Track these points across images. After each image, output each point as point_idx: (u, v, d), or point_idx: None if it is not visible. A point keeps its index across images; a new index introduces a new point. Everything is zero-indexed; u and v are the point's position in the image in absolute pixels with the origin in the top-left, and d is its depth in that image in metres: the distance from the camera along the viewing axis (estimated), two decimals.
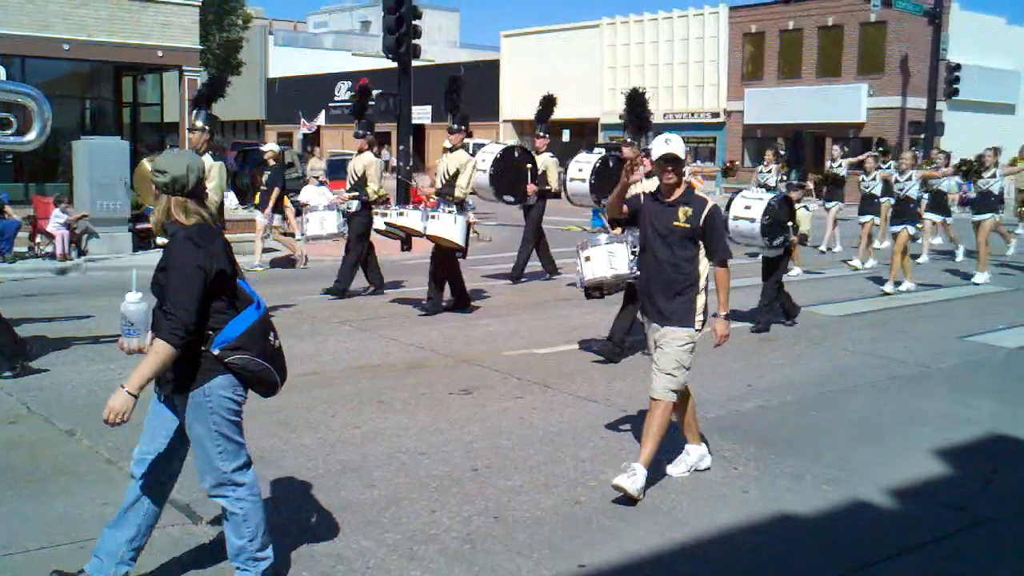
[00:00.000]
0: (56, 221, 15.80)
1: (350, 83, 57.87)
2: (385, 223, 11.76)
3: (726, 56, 43.12)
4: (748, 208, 10.59)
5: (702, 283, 5.76)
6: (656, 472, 6.06)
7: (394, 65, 20.44)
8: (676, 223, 5.63)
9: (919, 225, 14.61)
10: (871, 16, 36.93)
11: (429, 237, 11.33)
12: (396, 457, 6.32)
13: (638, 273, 6.43)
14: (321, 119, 51.01)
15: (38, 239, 16.38)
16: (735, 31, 43.01)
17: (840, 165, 19.07)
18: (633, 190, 6.09)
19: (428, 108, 49.86)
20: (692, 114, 44.19)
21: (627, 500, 5.49)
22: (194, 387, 4.09)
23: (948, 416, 7.58)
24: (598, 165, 11.52)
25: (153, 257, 16.57)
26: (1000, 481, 6.23)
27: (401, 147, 19.94)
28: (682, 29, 44.55)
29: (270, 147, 16.78)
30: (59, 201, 16.11)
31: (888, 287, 13.61)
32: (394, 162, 24.32)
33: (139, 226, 17.23)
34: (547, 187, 14.17)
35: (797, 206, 11.25)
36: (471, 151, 12.60)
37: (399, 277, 14.36)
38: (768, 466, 6.29)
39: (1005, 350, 10.19)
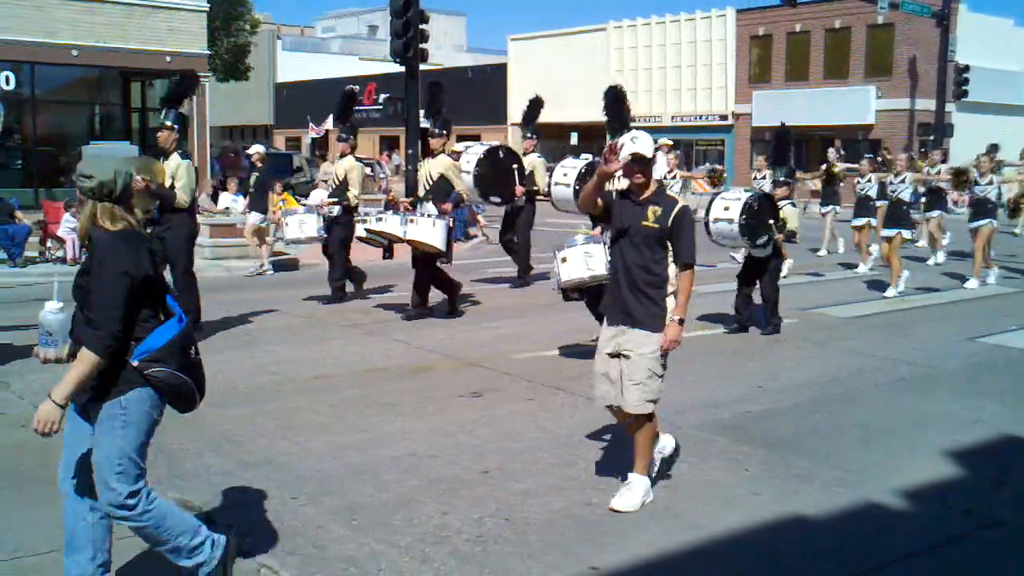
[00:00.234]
0: (67, 226, 15.87)
1: (358, 87, 58.02)
2: (366, 230, 11.57)
3: (733, 59, 43.09)
4: (727, 209, 10.37)
5: (671, 286, 5.53)
6: (666, 475, 6.06)
7: (402, 69, 20.47)
8: (645, 223, 5.42)
9: (912, 234, 14.44)
10: (878, 18, 36.88)
11: (409, 242, 11.15)
12: (405, 460, 6.33)
13: None
14: (329, 123, 50.97)
15: (49, 244, 16.46)
16: (742, 34, 42.98)
17: (869, 180, 18.59)
18: (616, 185, 5.99)
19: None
20: (700, 117, 44.16)
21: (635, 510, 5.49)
22: (110, 397, 3.96)
23: (958, 418, 7.57)
24: (583, 170, 11.37)
25: None
26: (1010, 483, 6.22)
27: (410, 151, 19.98)
28: (689, 32, 44.54)
29: (256, 149, 16.55)
30: (69, 206, 16.18)
31: (890, 291, 13.46)
32: (404, 166, 24.35)
33: (148, 230, 17.26)
34: (534, 188, 13.97)
35: (783, 203, 10.99)
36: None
37: (388, 281, 14.25)
38: (778, 468, 6.29)
39: (1016, 351, 10.17)
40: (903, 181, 13.48)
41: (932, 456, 6.58)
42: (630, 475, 5.58)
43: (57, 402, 3.83)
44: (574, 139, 45.90)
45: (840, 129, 37.82)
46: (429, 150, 11.65)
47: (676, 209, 5.43)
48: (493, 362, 9.24)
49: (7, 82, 21.07)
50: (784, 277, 14.45)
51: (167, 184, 9.56)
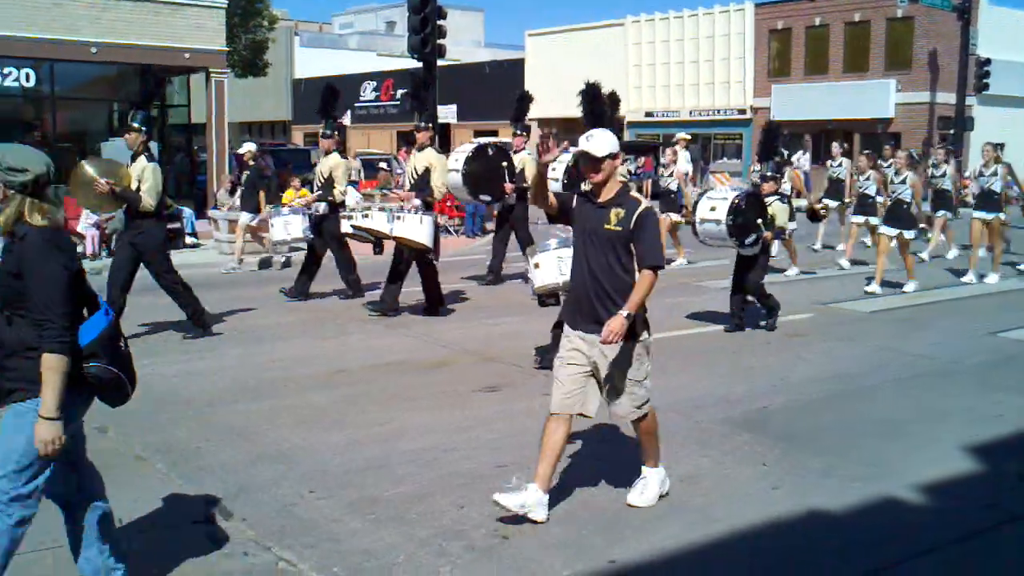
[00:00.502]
0: (86, 222, 15.95)
1: (375, 83, 58.12)
2: (351, 226, 11.33)
3: (752, 53, 42.88)
4: (713, 209, 10.19)
5: None
6: (684, 468, 6.05)
7: (419, 65, 20.49)
8: (608, 226, 5.15)
9: (920, 232, 13.94)
10: (898, 11, 36.61)
11: (396, 239, 10.98)
12: (423, 454, 6.34)
13: None
14: (347, 119, 51.18)
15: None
16: (761, 28, 42.75)
17: (840, 164, 18.40)
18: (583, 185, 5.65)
19: (453, 107, 49.96)
20: (718, 111, 43.97)
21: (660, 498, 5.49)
22: (28, 396, 3.77)
23: (978, 412, 7.51)
24: (471, 155, 11.19)
25: (184, 256, 16.71)
26: None
27: (453, 149, 19.96)
28: (707, 26, 44.34)
29: (247, 147, 16.41)
30: None
31: (909, 285, 13.34)
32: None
33: (168, 226, 17.34)
34: (524, 185, 13.73)
35: (771, 199, 10.76)
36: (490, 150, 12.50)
37: (378, 279, 13.72)
38: (797, 463, 6.26)
39: None
40: (903, 181, 13.06)
41: (952, 451, 6.54)
42: (643, 469, 5.54)
43: (50, 417, 3.71)
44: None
45: (859, 123, 37.62)
46: (416, 144, 11.48)
47: (639, 211, 5.15)
48: (510, 357, 9.24)
49: (27, 79, 21.18)
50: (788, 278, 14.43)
51: (133, 187, 9.44)
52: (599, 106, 8.64)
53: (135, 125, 9.65)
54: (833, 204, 17.92)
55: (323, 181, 12.31)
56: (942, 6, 32.60)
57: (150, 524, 5.10)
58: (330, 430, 6.87)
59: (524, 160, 13.67)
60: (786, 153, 17.66)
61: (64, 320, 3.74)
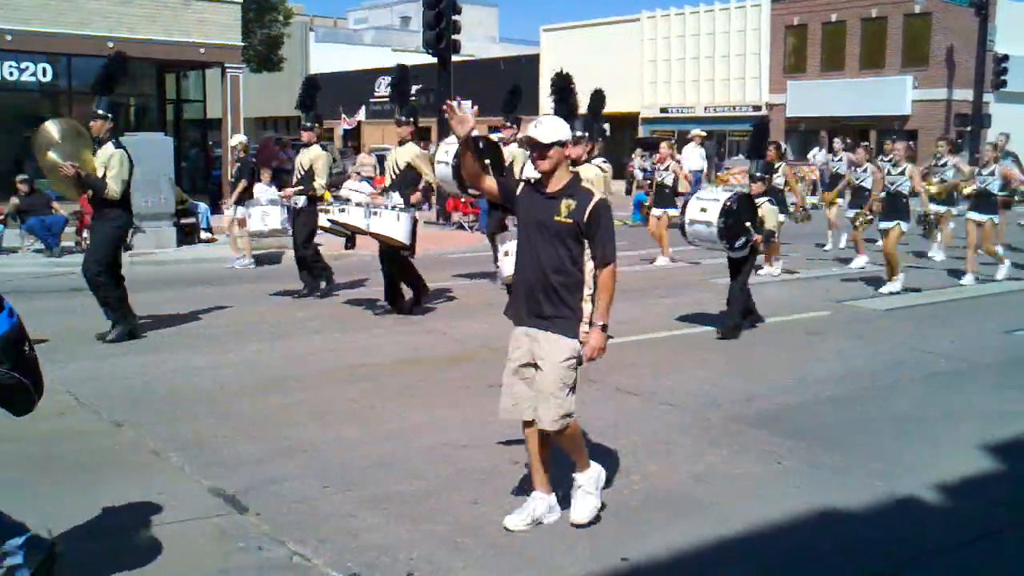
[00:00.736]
0: None
1: (390, 79, 58.11)
2: (328, 220, 11.21)
3: (768, 49, 42.73)
4: (704, 211, 9.95)
5: (588, 288, 5.06)
6: (698, 466, 6.03)
7: (434, 60, 20.49)
8: (558, 217, 4.86)
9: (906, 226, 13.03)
10: (915, 7, 36.44)
11: (373, 235, 10.86)
12: (439, 449, 6.34)
13: None
14: (361, 115, 51.25)
15: (85, 234, 16.60)
16: (777, 23, 42.61)
17: (840, 159, 18.17)
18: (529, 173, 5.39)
19: (468, 103, 49.95)
20: (733, 107, 43.85)
21: (590, 523, 5.08)
22: None
23: (996, 411, 7.47)
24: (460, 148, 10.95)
25: (199, 251, 16.77)
26: None
27: (442, 141, 19.97)
28: (723, 22, 44.20)
29: (238, 139, 16.31)
30: None
31: (893, 286, 12.74)
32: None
33: (183, 221, 17.43)
34: (521, 179, 13.54)
35: (761, 200, 10.44)
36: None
37: (363, 275, 13.94)
38: (813, 461, 6.23)
39: None
40: (902, 173, 12.66)
41: (970, 450, 6.50)
42: (575, 476, 5.13)
43: None
44: (607, 130, 45.74)
45: (876, 120, 37.45)
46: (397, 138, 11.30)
47: (593, 203, 4.86)
48: None
49: (44, 74, 21.29)
50: (776, 277, 14.26)
51: (99, 174, 9.22)
52: (569, 97, 8.59)
53: (100, 112, 9.38)
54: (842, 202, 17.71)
55: (303, 173, 12.12)
56: (960, 2, 32.41)
57: (165, 518, 5.11)
58: (346, 425, 6.88)
59: (514, 153, 13.53)
60: (784, 147, 17.31)
61: None
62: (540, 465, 5.15)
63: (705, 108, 44.32)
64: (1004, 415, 7.36)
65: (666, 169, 16.21)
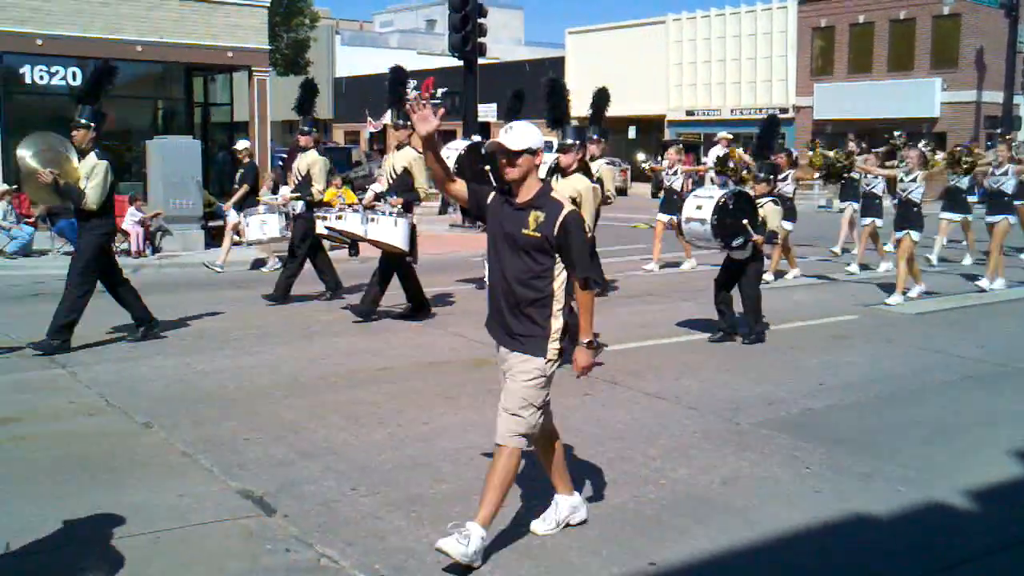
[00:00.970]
0: (131, 219, 16.16)
1: (416, 82, 58.23)
2: (325, 227, 11.01)
3: (795, 51, 42.54)
4: (699, 208, 9.78)
5: (558, 304, 4.75)
6: (725, 471, 6.01)
7: (460, 63, 20.54)
8: (526, 231, 4.62)
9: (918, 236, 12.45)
10: (944, 9, 36.16)
11: (372, 242, 10.77)
12: (464, 452, 6.35)
13: None
14: (387, 118, 51.42)
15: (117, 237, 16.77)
16: (804, 25, 42.41)
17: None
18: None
19: (494, 106, 49.95)
20: (760, 110, 43.60)
21: (459, 570, 4.56)
22: None
23: None
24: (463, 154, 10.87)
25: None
26: None
27: (444, 147, 19.98)
28: (749, 24, 44.05)
29: (242, 144, 16.24)
30: (134, 200, 16.48)
31: (894, 298, 12.32)
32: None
33: (211, 224, 17.55)
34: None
35: (763, 200, 10.21)
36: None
37: (363, 280, 13.63)
38: (840, 466, 6.19)
39: None
40: (914, 180, 12.23)
41: (1001, 455, 6.44)
42: (468, 524, 4.61)
43: None
44: (632, 133, 45.68)
45: (904, 122, 37.16)
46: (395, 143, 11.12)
47: (562, 215, 4.61)
48: None
49: (74, 77, 21.47)
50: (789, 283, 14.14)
51: (82, 185, 9.02)
52: (561, 102, 8.51)
53: (82, 121, 9.20)
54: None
55: (300, 179, 11.99)
56: (989, 3, 32.15)
57: (193, 519, 5.15)
58: (373, 427, 6.90)
59: (600, 170, 13.48)
60: (795, 154, 17.02)
61: None
62: (552, 468, 5.15)
63: (731, 111, 44.16)
64: None
65: (674, 174, 15.90)
